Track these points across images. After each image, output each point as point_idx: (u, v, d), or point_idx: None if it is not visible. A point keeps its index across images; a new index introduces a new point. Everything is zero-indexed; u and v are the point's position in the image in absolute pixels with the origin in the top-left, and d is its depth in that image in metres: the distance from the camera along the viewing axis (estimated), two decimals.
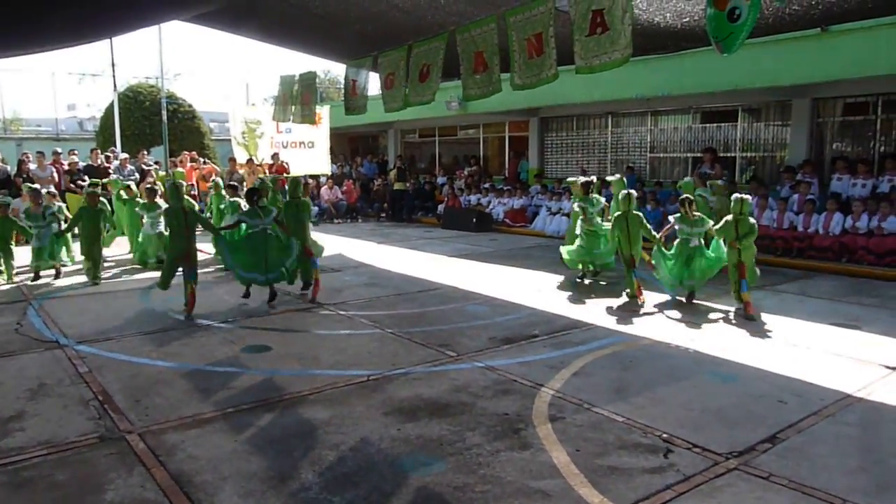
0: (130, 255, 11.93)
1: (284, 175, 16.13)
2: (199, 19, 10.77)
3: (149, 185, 11.94)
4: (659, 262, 8.67)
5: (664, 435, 4.51)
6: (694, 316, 7.90)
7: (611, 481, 3.89)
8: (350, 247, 13.75)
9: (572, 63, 6.07)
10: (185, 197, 8.53)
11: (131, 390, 5.42)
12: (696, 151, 15.08)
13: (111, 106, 22.30)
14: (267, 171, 16.58)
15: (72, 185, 14.66)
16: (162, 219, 9.90)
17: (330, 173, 19.96)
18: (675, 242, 8.58)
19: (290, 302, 8.71)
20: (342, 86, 10.40)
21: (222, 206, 11.66)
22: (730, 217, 8.01)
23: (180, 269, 8.07)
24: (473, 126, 21.09)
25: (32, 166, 14.99)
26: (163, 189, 11.72)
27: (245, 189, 11.88)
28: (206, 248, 11.41)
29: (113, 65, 21.64)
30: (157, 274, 10.21)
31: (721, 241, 8.25)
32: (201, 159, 18.84)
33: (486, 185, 18.70)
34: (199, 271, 8.28)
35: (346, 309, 8.26)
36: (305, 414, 4.93)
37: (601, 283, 9.89)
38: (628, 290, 8.77)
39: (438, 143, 22.87)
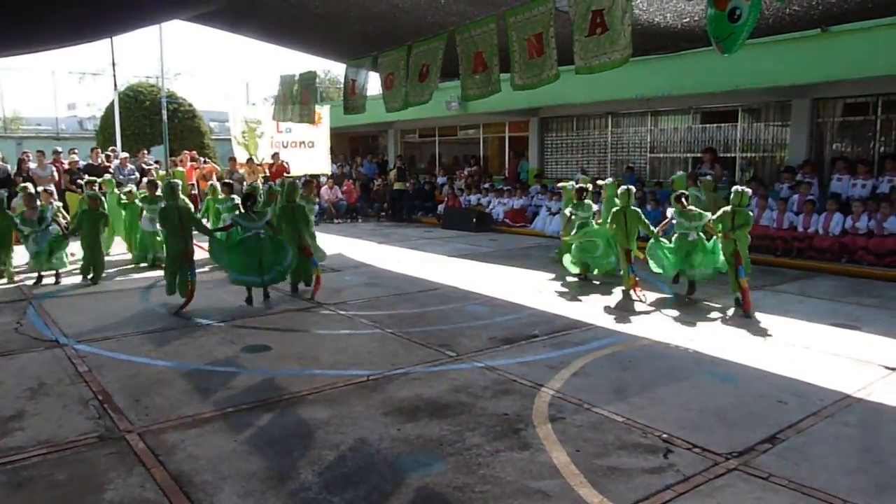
0: (129, 256, 11.92)
1: (286, 175, 16.17)
2: (199, 19, 10.78)
3: (149, 179, 11.97)
4: (656, 255, 8.80)
5: (664, 435, 4.52)
6: (693, 316, 7.90)
7: (610, 481, 3.90)
8: (350, 247, 13.75)
9: (572, 63, 6.07)
10: (182, 197, 8.58)
11: (131, 390, 5.42)
12: (696, 152, 15.08)
13: (111, 105, 22.32)
14: (267, 171, 16.61)
15: (72, 185, 14.65)
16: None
17: (330, 173, 19.96)
18: (674, 237, 8.68)
19: (289, 302, 8.71)
20: (342, 86, 10.41)
21: (219, 206, 11.68)
22: (728, 207, 8.14)
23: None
24: (473, 126, 21.09)
25: (33, 165, 14.99)
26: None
27: (245, 188, 11.94)
28: (204, 245, 11.44)
29: (113, 64, 21.66)
30: (157, 273, 10.32)
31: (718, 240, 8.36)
32: (201, 159, 18.88)
33: (486, 186, 18.69)
34: (197, 271, 8.30)
35: (346, 309, 8.26)
36: (305, 414, 4.93)
37: (597, 283, 9.88)
38: (623, 288, 8.92)
39: (438, 143, 22.87)
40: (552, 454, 4.23)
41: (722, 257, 8.32)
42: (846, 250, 10.79)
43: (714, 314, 7.97)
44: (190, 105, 24.91)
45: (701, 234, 8.54)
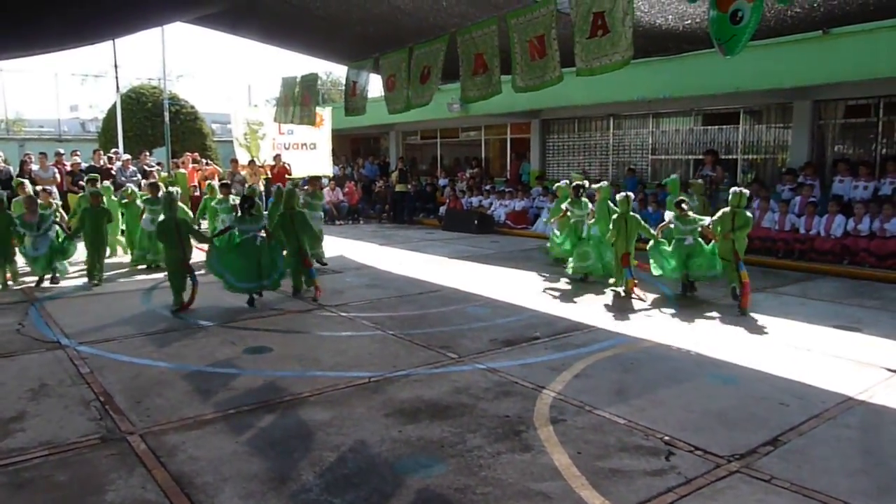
0: (126, 258, 11.90)
1: (287, 178, 16.17)
2: (200, 21, 10.79)
3: (151, 181, 11.96)
4: (656, 257, 8.92)
5: (665, 437, 4.51)
6: (695, 318, 7.90)
7: (612, 483, 3.89)
8: (351, 248, 13.76)
9: (573, 65, 6.07)
10: (180, 205, 8.65)
11: (132, 391, 5.42)
12: (697, 153, 15.08)
13: (114, 107, 22.35)
14: (269, 173, 16.61)
15: (74, 187, 14.67)
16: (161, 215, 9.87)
17: (331, 175, 19.96)
18: (672, 242, 8.81)
19: (291, 303, 8.71)
20: (343, 87, 10.42)
21: (217, 206, 11.69)
22: (727, 209, 8.32)
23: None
24: (475, 128, 21.10)
25: (35, 167, 15.00)
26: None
27: (245, 190, 11.95)
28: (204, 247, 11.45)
29: (116, 66, 21.70)
30: (157, 275, 10.32)
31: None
32: (203, 160, 18.88)
33: (488, 187, 18.71)
34: (197, 273, 8.34)
35: (347, 310, 8.26)
36: (306, 415, 4.93)
37: (597, 284, 9.86)
38: (623, 289, 9.06)
39: (440, 145, 22.89)
40: (553, 456, 4.23)
41: (720, 260, 8.48)
42: (848, 252, 10.78)
43: (715, 316, 7.97)
44: (192, 107, 24.95)
45: (699, 238, 8.66)
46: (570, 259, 10.14)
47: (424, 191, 20.31)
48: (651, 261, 9.03)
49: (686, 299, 8.81)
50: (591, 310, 8.33)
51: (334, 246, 13.11)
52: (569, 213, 10.12)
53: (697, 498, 3.74)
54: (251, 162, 16.51)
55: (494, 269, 11.34)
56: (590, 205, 10.22)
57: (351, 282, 10.22)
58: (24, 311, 8.25)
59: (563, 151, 18.39)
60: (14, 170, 15.53)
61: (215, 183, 13.27)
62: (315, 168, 17.27)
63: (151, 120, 23.38)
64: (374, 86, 12.83)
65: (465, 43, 7.31)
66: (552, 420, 4.80)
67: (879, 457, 4.27)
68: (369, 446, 4.39)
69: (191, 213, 11.70)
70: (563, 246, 10.49)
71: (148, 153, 18.34)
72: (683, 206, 8.75)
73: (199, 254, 11.57)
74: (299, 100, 10.85)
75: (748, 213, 8.34)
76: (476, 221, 16.79)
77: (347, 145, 26.99)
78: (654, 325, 7.58)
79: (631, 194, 9.37)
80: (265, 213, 9.51)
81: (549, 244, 10.97)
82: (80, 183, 14.07)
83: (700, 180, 12.79)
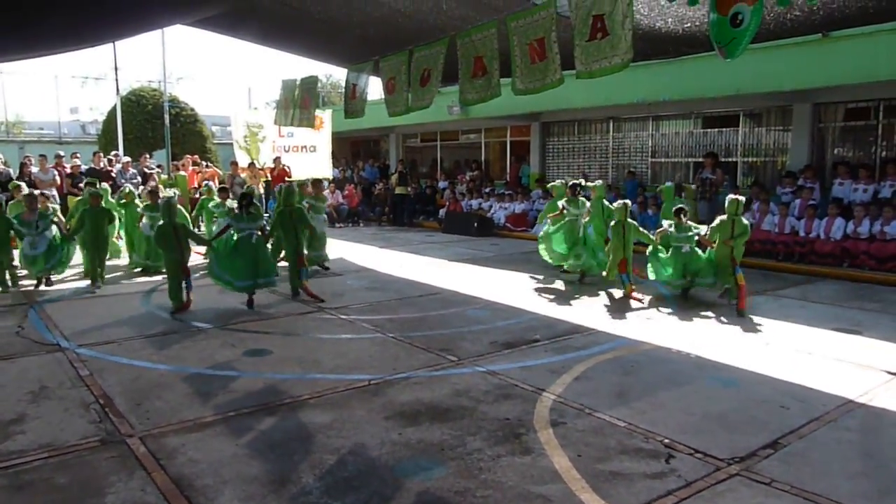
0: (124, 261, 11.87)
1: (287, 179, 16.17)
2: (201, 23, 10.81)
3: (150, 188, 11.92)
4: (654, 266, 9.02)
5: (666, 440, 4.51)
6: (695, 320, 7.90)
7: (612, 486, 3.89)
8: (351, 251, 13.76)
9: (573, 68, 6.08)
10: (179, 208, 8.70)
11: (132, 393, 5.41)
12: (697, 156, 15.08)
13: (114, 109, 22.37)
14: (269, 175, 16.62)
15: (74, 189, 14.66)
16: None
17: (331, 177, 19.97)
18: (669, 252, 8.91)
19: (290, 306, 8.71)
20: (343, 90, 10.43)
21: (212, 206, 11.66)
22: (724, 217, 8.50)
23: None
24: (475, 130, 21.11)
25: (34, 169, 15.00)
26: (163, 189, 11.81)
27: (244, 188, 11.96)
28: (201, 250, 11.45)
29: (116, 68, 21.72)
30: (157, 278, 10.31)
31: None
32: (203, 163, 18.90)
33: (488, 190, 18.71)
34: (195, 275, 8.39)
35: (347, 313, 8.26)
36: (306, 418, 4.93)
37: (595, 286, 9.87)
38: (622, 292, 9.18)
39: (440, 148, 22.90)
40: (553, 459, 4.22)
41: (715, 267, 8.63)
42: (848, 255, 10.79)
43: (715, 319, 7.97)
44: (192, 109, 24.99)
45: (696, 247, 8.77)
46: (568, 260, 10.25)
47: (424, 193, 20.32)
48: (648, 265, 9.11)
49: (685, 302, 8.82)
50: (591, 312, 8.32)
51: (334, 248, 13.09)
52: (565, 212, 10.16)
53: (697, 501, 3.73)
54: (251, 164, 16.52)
55: (494, 271, 11.34)
56: (587, 204, 10.29)
57: (351, 284, 10.22)
58: (24, 313, 8.25)
59: (562, 154, 18.40)
60: (14, 172, 15.54)
61: (213, 184, 13.24)
62: (315, 171, 17.29)
63: (151, 122, 23.41)
64: (374, 88, 12.82)
65: (465, 46, 7.32)
66: (552, 423, 4.80)
67: (880, 459, 4.27)
68: (369, 449, 4.38)
69: (188, 217, 11.68)
70: (558, 249, 10.50)
71: (148, 155, 18.35)
72: (682, 214, 8.84)
73: (196, 257, 11.66)
74: (299, 102, 10.86)
75: (745, 221, 8.53)
76: (476, 224, 16.80)
77: (347, 148, 27.01)
78: (654, 327, 7.58)
79: (629, 202, 9.55)
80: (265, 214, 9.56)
81: (541, 247, 10.91)
82: (80, 185, 14.07)
83: (693, 185, 12.95)
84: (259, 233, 8.61)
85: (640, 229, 9.29)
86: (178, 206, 9.08)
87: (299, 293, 9.12)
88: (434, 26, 9.05)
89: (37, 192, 11.11)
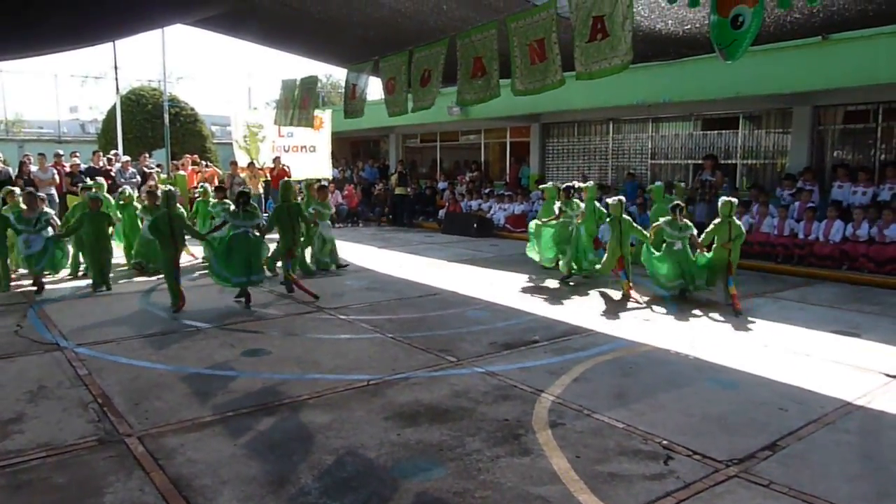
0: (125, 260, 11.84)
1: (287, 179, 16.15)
2: (201, 23, 10.80)
3: (149, 189, 11.86)
4: (650, 267, 9.21)
5: (664, 441, 4.51)
6: (694, 322, 7.91)
7: (611, 488, 3.89)
8: (351, 251, 13.73)
9: (573, 69, 6.08)
10: (178, 207, 8.77)
11: (131, 393, 5.41)
12: (696, 158, 15.09)
13: (113, 108, 22.34)
14: (268, 175, 16.63)
15: (73, 188, 14.66)
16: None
17: (331, 178, 19.97)
18: (663, 247, 9.06)
19: (289, 306, 8.71)
20: (343, 90, 10.43)
21: (210, 208, 11.63)
22: (719, 220, 8.63)
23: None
24: (475, 131, 21.12)
25: (34, 168, 15.00)
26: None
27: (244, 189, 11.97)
28: (196, 252, 11.48)
29: (116, 67, 21.69)
30: (156, 278, 10.29)
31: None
32: (203, 162, 18.89)
33: (487, 191, 18.72)
34: (193, 275, 8.40)
35: (346, 313, 8.26)
36: (305, 418, 4.93)
37: (596, 288, 9.87)
38: (622, 292, 9.30)
39: (440, 148, 22.90)
40: (552, 460, 4.22)
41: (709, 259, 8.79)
42: (847, 257, 10.79)
43: (714, 320, 7.97)
44: (192, 109, 24.96)
45: (687, 245, 8.91)
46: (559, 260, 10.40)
47: (424, 194, 20.32)
48: (644, 265, 9.33)
49: (684, 303, 8.82)
50: (590, 313, 8.33)
51: None
52: (562, 217, 10.20)
53: (696, 502, 3.73)
54: (250, 164, 16.54)
55: (493, 272, 11.34)
56: (581, 205, 10.37)
57: (350, 284, 10.21)
58: (23, 312, 8.24)
59: (562, 155, 18.40)
60: (13, 171, 15.53)
61: (209, 186, 13.21)
62: (314, 171, 17.31)
63: (151, 122, 23.39)
64: (374, 89, 12.80)
65: (465, 46, 7.32)
66: (551, 424, 4.80)
67: (878, 462, 4.28)
68: (368, 449, 4.38)
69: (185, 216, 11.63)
70: (547, 253, 10.55)
71: (147, 155, 18.34)
72: (678, 211, 8.95)
73: (191, 257, 11.64)
74: (298, 102, 10.86)
75: (738, 222, 8.72)
76: (475, 225, 16.80)
77: (347, 148, 27.01)
78: (653, 329, 7.58)
79: (623, 198, 9.67)
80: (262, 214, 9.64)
81: (529, 246, 10.97)
82: (79, 185, 14.03)
83: (682, 184, 13.08)
84: (256, 231, 8.73)
85: (635, 225, 9.43)
86: (178, 206, 9.10)
87: (293, 289, 9.21)
88: (434, 27, 9.04)
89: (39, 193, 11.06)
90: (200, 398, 5.32)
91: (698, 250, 8.83)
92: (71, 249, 10.38)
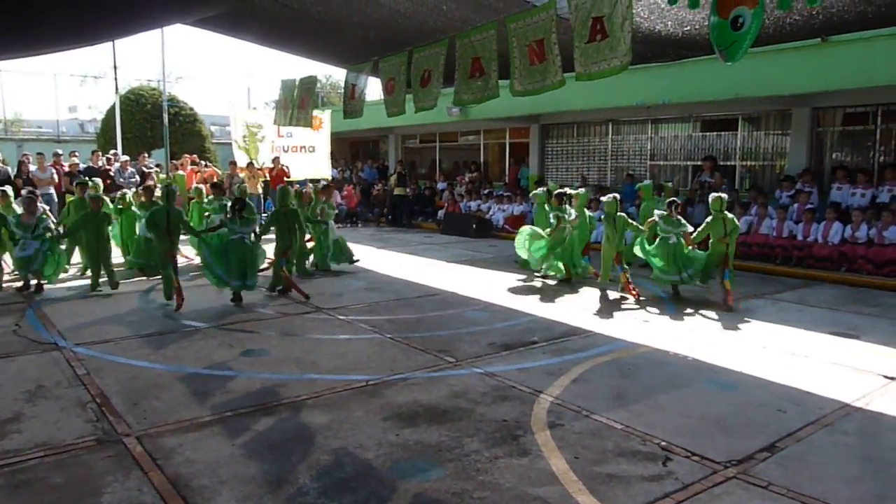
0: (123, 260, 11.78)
1: (286, 180, 16.16)
2: (200, 23, 10.77)
3: (145, 185, 11.79)
4: (646, 255, 9.40)
5: (663, 443, 4.51)
6: (693, 323, 7.91)
7: (609, 489, 3.89)
8: None
9: (572, 70, 6.09)
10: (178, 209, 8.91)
11: (129, 393, 5.41)
12: (695, 159, 15.11)
13: (112, 108, 22.32)
14: (267, 175, 16.62)
15: (72, 187, 14.63)
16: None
17: (330, 178, 19.97)
18: (657, 241, 9.24)
19: (288, 306, 8.71)
20: (342, 90, 10.43)
21: (207, 208, 11.60)
22: (710, 217, 8.86)
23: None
24: (474, 132, 21.13)
25: (33, 167, 15.00)
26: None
27: (237, 190, 12.00)
28: (190, 254, 11.48)
29: (115, 67, 21.65)
30: (155, 278, 10.25)
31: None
32: (202, 162, 18.89)
33: (487, 192, 18.72)
34: (190, 275, 8.42)
35: (345, 313, 8.25)
36: (304, 418, 4.92)
37: (595, 289, 9.87)
38: (607, 279, 9.63)
39: (439, 149, 22.91)
40: (551, 461, 4.22)
41: (701, 260, 8.99)
42: (845, 259, 10.80)
43: (713, 321, 7.97)
44: (191, 109, 24.95)
45: (681, 239, 9.07)
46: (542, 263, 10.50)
47: (423, 194, 20.33)
48: (641, 255, 9.57)
49: (683, 304, 8.83)
50: (589, 314, 8.33)
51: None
52: (562, 224, 10.20)
53: (694, 503, 3.74)
54: (250, 164, 16.53)
55: (492, 273, 11.34)
56: (573, 212, 10.39)
57: (349, 285, 10.21)
58: (21, 312, 8.24)
59: (561, 156, 18.42)
60: (12, 170, 15.53)
61: (203, 187, 13.18)
62: (314, 171, 17.32)
63: (150, 121, 23.37)
64: (374, 89, 12.79)
65: (464, 47, 7.32)
66: (550, 425, 4.80)
67: (877, 463, 4.28)
68: (366, 450, 4.38)
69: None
70: (536, 253, 10.57)
71: (147, 155, 18.34)
72: (674, 207, 9.16)
73: (187, 259, 11.62)
74: (297, 102, 10.86)
75: (731, 216, 8.87)
76: (474, 225, 16.80)
77: (346, 148, 27.01)
78: (651, 330, 7.58)
79: (617, 195, 9.88)
80: (257, 215, 9.73)
81: (520, 246, 10.97)
82: (76, 181, 13.97)
83: (670, 183, 13.23)
84: (252, 237, 8.82)
85: (629, 220, 9.60)
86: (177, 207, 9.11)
87: (287, 291, 9.28)
88: (434, 28, 9.02)
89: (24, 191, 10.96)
90: (199, 398, 5.31)
91: (689, 246, 9.03)
92: (64, 251, 10.21)
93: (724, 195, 8.97)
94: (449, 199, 18.75)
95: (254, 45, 14.90)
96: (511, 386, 5.62)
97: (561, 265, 10.32)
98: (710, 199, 8.89)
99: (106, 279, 9.58)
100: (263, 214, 16.23)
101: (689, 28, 8.42)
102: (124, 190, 12.50)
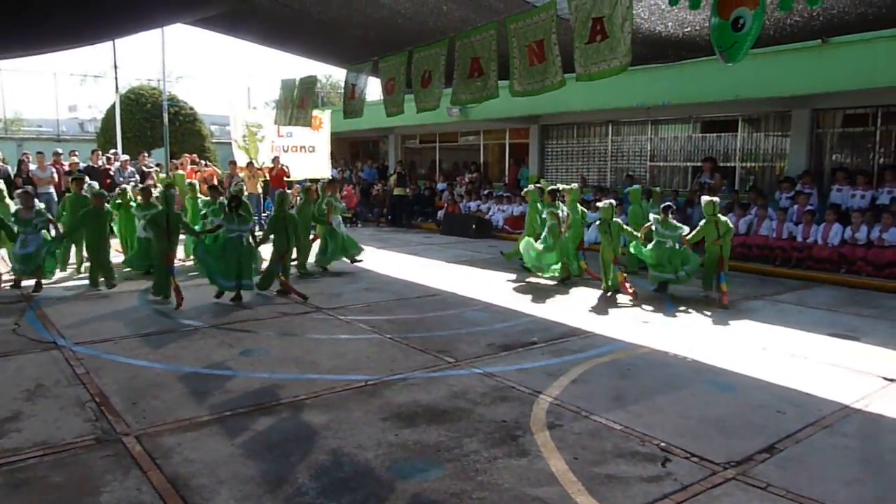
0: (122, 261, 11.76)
1: (285, 180, 16.17)
2: (200, 23, 10.78)
3: (143, 186, 11.74)
4: (642, 256, 9.60)
5: (662, 444, 4.51)
6: (692, 324, 7.91)
7: (608, 490, 3.89)
8: None
9: (573, 70, 6.09)
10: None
11: (128, 392, 5.40)
12: (695, 161, 15.12)
13: (112, 107, 22.32)
14: (267, 175, 16.63)
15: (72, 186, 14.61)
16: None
17: (330, 177, 19.97)
18: (652, 244, 9.38)
19: (288, 306, 8.70)
20: (342, 90, 10.44)
21: (204, 208, 11.52)
22: (704, 220, 9.01)
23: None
24: (474, 132, 21.12)
25: (32, 167, 15.00)
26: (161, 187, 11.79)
27: (233, 188, 12.05)
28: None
29: (115, 66, 21.66)
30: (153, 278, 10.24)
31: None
32: (202, 162, 18.88)
33: (486, 192, 18.73)
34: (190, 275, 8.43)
35: (344, 313, 8.25)
36: (303, 418, 4.92)
37: (595, 290, 9.87)
38: (609, 285, 9.62)
39: (439, 149, 22.90)
40: (550, 461, 4.22)
41: (697, 260, 9.24)
42: (845, 261, 10.80)
43: (713, 323, 7.97)
44: (191, 108, 24.95)
45: (676, 244, 9.22)
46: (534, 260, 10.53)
47: (423, 195, 20.33)
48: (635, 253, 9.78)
49: (682, 305, 8.82)
50: (589, 315, 8.33)
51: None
52: (558, 217, 10.28)
53: None
54: (249, 164, 16.53)
55: (492, 273, 11.34)
56: (565, 208, 10.45)
57: (348, 285, 10.21)
58: (21, 311, 8.23)
59: (561, 157, 18.41)
60: (12, 169, 15.53)
61: (195, 181, 13.15)
62: (314, 171, 17.33)
63: (150, 121, 23.37)
64: (374, 89, 12.80)
65: (464, 47, 7.32)
66: (549, 425, 4.80)
67: (876, 465, 4.28)
68: (366, 450, 4.38)
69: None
70: (531, 252, 10.62)
71: (146, 154, 18.35)
72: (669, 212, 9.30)
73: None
74: (297, 102, 10.86)
75: (724, 218, 9.05)
76: (474, 226, 16.80)
77: (346, 148, 27.01)
78: (651, 330, 7.58)
79: (613, 201, 9.93)
80: (254, 214, 9.77)
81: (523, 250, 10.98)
82: (72, 177, 13.91)
83: (657, 188, 13.30)
84: (249, 235, 8.86)
85: (624, 226, 9.71)
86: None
87: (266, 289, 9.32)
88: (434, 28, 9.02)
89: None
90: (198, 398, 5.31)
91: (685, 245, 9.23)
92: (62, 250, 10.19)
93: (717, 199, 9.14)
94: (449, 200, 18.75)
95: (254, 45, 14.90)
96: (510, 386, 5.62)
97: (559, 265, 10.34)
98: (703, 204, 9.06)
99: (104, 277, 9.57)
100: (263, 214, 16.25)
101: (689, 29, 8.42)
102: (124, 185, 12.48)
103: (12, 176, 15.03)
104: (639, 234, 9.58)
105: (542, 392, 5.47)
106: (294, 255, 10.80)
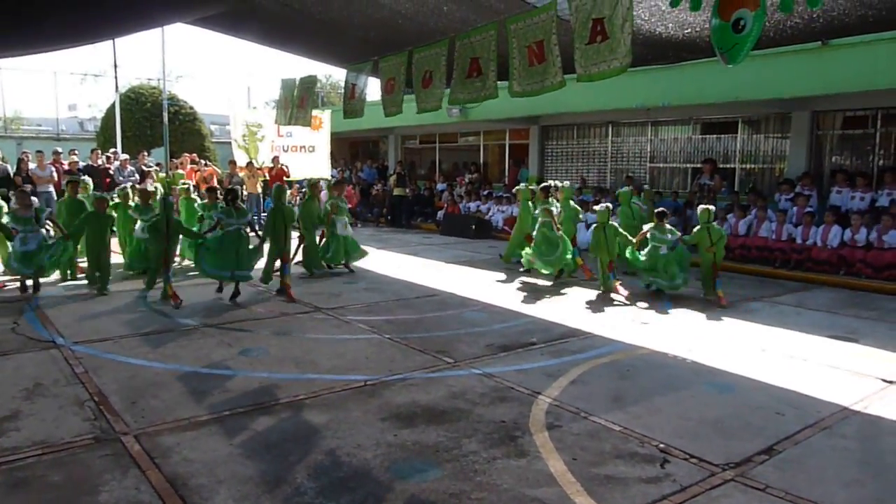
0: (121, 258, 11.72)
1: (286, 179, 16.15)
2: (200, 22, 10.78)
3: (142, 188, 11.68)
4: (636, 263, 9.66)
5: (661, 445, 4.51)
6: (691, 326, 7.91)
7: (607, 490, 3.89)
8: None
9: (573, 71, 6.09)
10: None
11: (127, 391, 5.40)
12: (695, 162, 15.12)
13: (112, 107, 22.31)
14: (267, 175, 16.62)
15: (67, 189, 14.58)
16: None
17: (330, 178, 19.97)
18: (647, 249, 9.47)
19: (287, 305, 8.70)
20: (342, 90, 10.45)
21: (202, 211, 11.42)
22: (698, 227, 9.17)
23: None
24: (474, 133, 21.13)
25: (32, 165, 14.98)
26: (161, 188, 11.77)
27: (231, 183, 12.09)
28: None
29: (115, 66, 21.66)
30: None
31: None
32: (202, 161, 18.87)
33: (486, 193, 18.73)
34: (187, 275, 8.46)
35: (343, 314, 8.25)
36: (302, 418, 4.92)
37: (595, 290, 9.87)
38: (603, 288, 9.69)
39: (439, 150, 22.91)
40: (549, 462, 4.22)
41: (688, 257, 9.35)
42: (844, 263, 10.81)
43: (712, 324, 7.98)
44: (191, 108, 24.93)
45: (669, 251, 9.28)
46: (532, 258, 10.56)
47: (422, 195, 20.33)
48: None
49: (681, 306, 8.83)
50: (588, 316, 8.33)
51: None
52: (552, 214, 10.35)
53: None
54: (249, 164, 16.53)
55: (491, 274, 11.34)
56: (558, 205, 10.50)
57: (348, 285, 10.21)
58: (19, 310, 8.23)
59: (561, 158, 18.42)
60: (12, 168, 15.51)
61: (190, 182, 13.13)
62: (313, 171, 17.33)
63: (150, 120, 23.35)
64: (374, 89, 12.81)
65: (463, 47, 7.33)
66: (548, 426, 4.80)
67: (875, 467, 4.28)
68: (364, 450, 4.38)
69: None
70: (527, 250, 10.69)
71: (146, 153, 18.33)
72: (663, 217, 9.41)
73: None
74: (297, 101, 10.87)
75: (717, 226, 9.22)
76: (474, 226, 16.80)
77: (346, 148, 27.01)
78: (650, 332, 7.58)
79: (609, 205, 10.00)
80: (254, 214, 9.84)
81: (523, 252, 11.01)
82: (68, 179, 13.86)
83: (647, 186, 13.39)
84: (248, 228, 8.96)
85: (620, 230, 9.76)
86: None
87: (268, 283, 9.47)
88: (434, 29, 9.02)
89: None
90: (197, 397, 5.31)
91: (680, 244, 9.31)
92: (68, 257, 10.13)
93: (713, 207, 9.30)
94: (448, 200, 18.75)
95: (254, 45, 14.89)
96: (509, 387, 5.62)
97: (568, 257, 10.36)
98: (698, 211, 9.22)
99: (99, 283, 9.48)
100: (263, 214, 16.24)
101: (689, 30, 8.43)
102: (125, 186, 12.44)
103: (12, 175, 15.01)
104: (634, 241, 9.64)
105: (541, 393, 5.47)
106: (300, 256, 10.84)
